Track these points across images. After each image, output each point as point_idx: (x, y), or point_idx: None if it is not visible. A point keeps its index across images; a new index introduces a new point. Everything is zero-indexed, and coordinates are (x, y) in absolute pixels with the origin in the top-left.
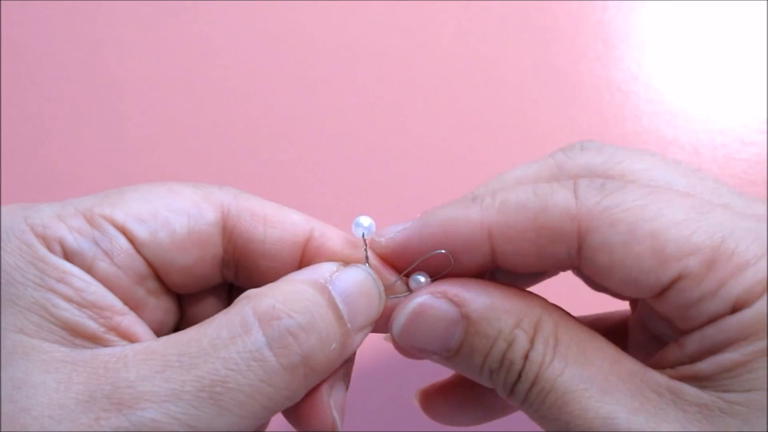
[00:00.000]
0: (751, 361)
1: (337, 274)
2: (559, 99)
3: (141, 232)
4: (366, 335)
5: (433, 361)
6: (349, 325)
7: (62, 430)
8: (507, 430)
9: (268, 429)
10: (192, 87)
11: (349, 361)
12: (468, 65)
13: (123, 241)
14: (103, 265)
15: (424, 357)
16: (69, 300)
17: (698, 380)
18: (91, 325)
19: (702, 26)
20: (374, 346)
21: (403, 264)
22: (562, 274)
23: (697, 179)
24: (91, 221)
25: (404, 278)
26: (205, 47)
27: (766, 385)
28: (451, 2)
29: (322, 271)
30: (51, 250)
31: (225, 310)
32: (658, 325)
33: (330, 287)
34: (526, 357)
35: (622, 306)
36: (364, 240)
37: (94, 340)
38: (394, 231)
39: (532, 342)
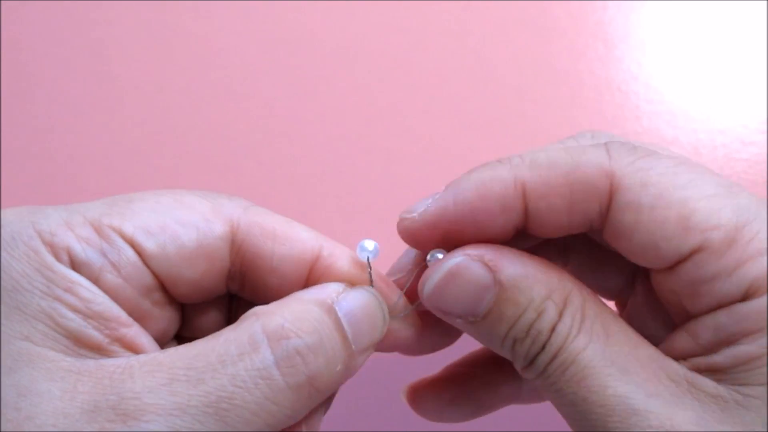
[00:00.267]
0: None
1: (343, 295)
2: (559, 99)
3: (149, 245)
4: (368, 357)
5: (455, 326)
6: (354, 346)
7: None
8: (494, 430)
9: None
10: (193, 87)
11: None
12: (468, 65)
13: (131, 254)
14: (110, 277)
15: (448, 320)
16: (75, 310)
17: (714, 372)
18: (97, 335)
19: (702, 26)
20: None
21: (436, 238)
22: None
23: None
24: (99, 231)
25: (405, 297)
26: (206, 48)
27: None
28: (451, 2)
29: (329, 291)
30: (58, 258)
31: (233, 326)
32: (649, 325)
33: (336, 308)
34: (552, 329)
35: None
36: (369, 264)
37: (98, 351)
38: (425, 203)
39: (560, 315)
